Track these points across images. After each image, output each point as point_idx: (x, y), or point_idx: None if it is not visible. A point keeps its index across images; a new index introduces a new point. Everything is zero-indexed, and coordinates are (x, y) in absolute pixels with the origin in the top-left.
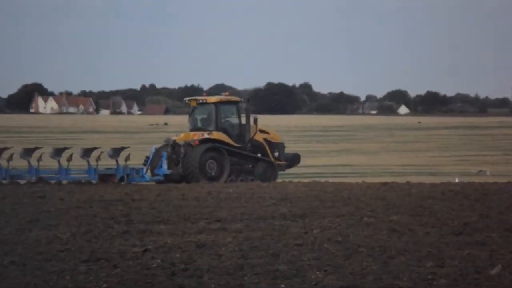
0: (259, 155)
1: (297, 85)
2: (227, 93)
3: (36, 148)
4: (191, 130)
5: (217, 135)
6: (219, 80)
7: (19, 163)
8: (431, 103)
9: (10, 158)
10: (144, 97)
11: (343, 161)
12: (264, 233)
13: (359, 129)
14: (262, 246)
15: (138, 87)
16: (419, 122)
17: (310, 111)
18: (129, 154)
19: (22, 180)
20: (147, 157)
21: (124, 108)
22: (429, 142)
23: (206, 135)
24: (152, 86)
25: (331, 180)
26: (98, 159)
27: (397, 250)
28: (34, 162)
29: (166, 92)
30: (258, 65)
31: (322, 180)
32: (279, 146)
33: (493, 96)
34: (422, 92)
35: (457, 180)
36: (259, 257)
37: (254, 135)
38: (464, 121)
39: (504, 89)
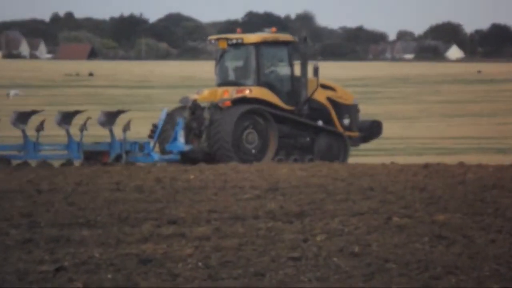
0: (320, 122)
1: (293, 16)
2: (274, 29)
3: (121, 112)
4: (220, 85)
5: (259, 92)
6: (173, 8)
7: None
8: (497, 43)
9: (84, 127)
10: (57, 33)
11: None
12: (243, 241)
13: (387, 82)
14: (239, 262)
15: (47, 18)
16: (479, 72)
17: (312, 56)
18: (129, 121)
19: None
20: (155, 126)
21: (25, 49)
22: (495, 102)
23: (242, 93)
24: (69, 15)
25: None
26: (83, 128)
27: (445, 267)
28: (117, 131)
29: (91, 26)
30: None
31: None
32: (351, 110)
33: None
34: (484, 26)
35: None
36: (235, 278)
37: (313, 92)
38: None
39: None
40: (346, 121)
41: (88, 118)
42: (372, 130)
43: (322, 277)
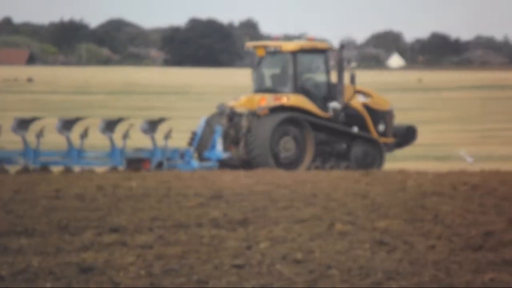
0: (356, 129)
1: (236, 23)
2: (311, 37)
3: (34, 119)
4: (257, 92)
5: (296, 100)
6: (115, 14)
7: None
8: (437, 51)
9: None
10: None
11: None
12: (186, 248)
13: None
14: (182, 269)
15: None
16: (420, 80)
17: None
18: (170, 130)
19: (13, 166)
20: (194, 133)
21: None
22: (435, 110)
23: (279, 101)
24: (7, 20)
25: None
26: (125, 135)
27: (385, 272)
28: (31, 138)
29: (30, 31)
30: None
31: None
32: (386, 116)
33: None
34: (424, 34)
35: (469, 160)
36: (178, 286)
37: (350, 99)
38: (488, 77)
39: None
40: (382, 127)
41: (131, 126)
42: (407, 135)
43: (266, 284)
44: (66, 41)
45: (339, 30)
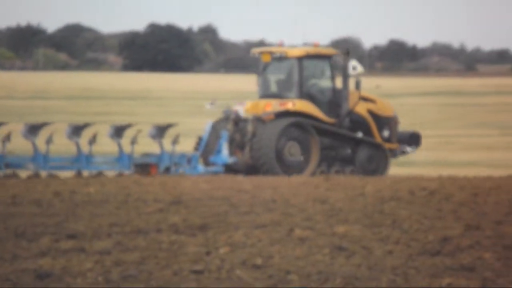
0: (360, 134)
1: (196, 28)
2: (317, 43)
3: (44, 124)
4: (262, 97)
5: (301, 105)
6: (72, 18)
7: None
8: (395, 58)
9: (6, 138)
10: None
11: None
12: (145, 254)
13: None
14: (141, 276)
15: None
16: (378, 86)
17: (215, 68)
18: (178, 135)
19: (25, 171)
20: (200, 138)
21: None
22: None
23: (285, 106)
24: None
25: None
26: (133, 141)
27: (344, 277)
28: (40, 144)
29: None
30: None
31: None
32: (390, 122)
33: (486, 47)
34: (382, 41)
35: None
36: None
37: (355, 105)
38: (444, 83)
39: (503, 37)
40: (386, 133)
41: (139, 131)
42: (411, 141)
43: None
44: (23, 46)
45: (298, 35)
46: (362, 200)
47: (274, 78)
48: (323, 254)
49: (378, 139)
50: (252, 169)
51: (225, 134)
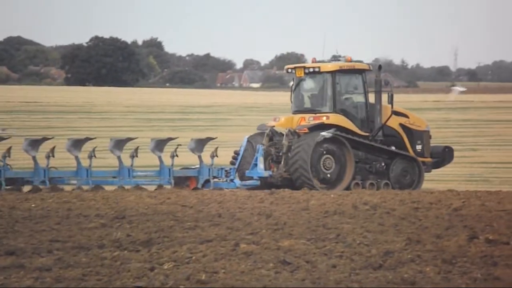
0: (393, 148)
1: (140, 42)
2: (349, 58)
3: (87, 139)
4: (296, 112)
5: (335, 118)
6: (13, 31)
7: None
8: None
9: (51, 153)
10: None
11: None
12: (86, 270)
13: (235, 110)
14: None
15: None
16: None
17: (161, 83)
18: (216, 148)
19: (68, 185)
20: (236, 153)
21: None
22: None
23: (319, 120)
24: None
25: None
26: (174, 154)
27: None
28: (83, 159)
29: None
30: (78, 11)
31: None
32: (423, 136)
33: (427, 64)
34: (326, 56)
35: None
36: None
37: (388, 119)
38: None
39: (444, 55)
40: (419, 147)
41: (178, 145)
42: (444, 155)
43: None
44: None
45: (242, 51)
46: (306, 214)
47: (308, 93)
48: (268, 268)
49: (411, 153)
50: (288, 183)
51: (260, 148)
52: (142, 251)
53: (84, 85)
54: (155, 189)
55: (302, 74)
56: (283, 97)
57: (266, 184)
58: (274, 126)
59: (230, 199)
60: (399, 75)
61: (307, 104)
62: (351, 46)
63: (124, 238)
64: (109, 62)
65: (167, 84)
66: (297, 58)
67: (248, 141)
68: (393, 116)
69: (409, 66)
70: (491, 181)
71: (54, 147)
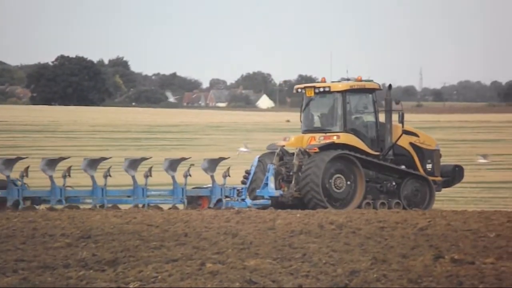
0: (403, 167)
1: (106, 61)
2: (359, 77)
3: (103, 159)
4: (305, 132)
5: (346, 138)
6: None
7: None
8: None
9: (67, 172)
10: None
11: (162, 179)
12: None
13: (201, 129)
14: None
15: None
16: (288, 121)
17: (127, 102)
18: (228, 168)
19: (85, 204)
20: (248, 172)
21: None
22: None
23: (329, 139)
24: None
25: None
26: (187, 174)
27: None
28: (99, 178)
29: None
30: (45, 31)
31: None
32: (433, 155)
33: (394, 83)
34: (292, 76)
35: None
36: None
37: (398, 138)
38: None
39: (411, 74)
40: (429, 166)
41: (192, 165)
42: (454, 174)
43: None
44: None
45: (208, 71)
46: (272, 234)
47: (317, 112)
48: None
49: (422, 172)
50: (298, 202)
51: (271, 168)
52: (107, 270)
53: (50, 104)
54: (169, 209)
55: (312, 94)
56: (249, 117)
57: (277, 203)
58: (284, 146)
59: (196, 218)
60: None
61: (317, 123)
62: (315, 66)
63: (90, 257)
64: (75, 81)
65: (133, 104)
66: (264, 77)
67: (259, 160)
68: (404, 135)
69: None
70: (456, 200)
71: (70, 167)
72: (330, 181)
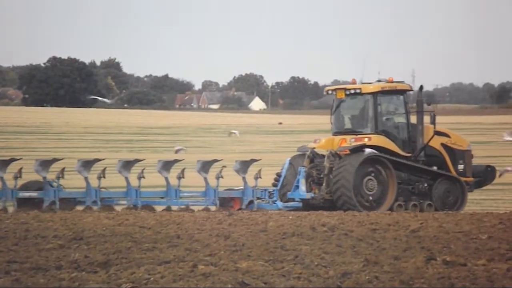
0: (434, 168)
1: (98, 62)
2: (391, 79)
3: (137, 161)
4: (336, 134)
5: (377, 140)
6: None
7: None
8: (297, 95)
9: (102, 174)
10: None
11: (153, 180)
12: None
13: (193, 131)
14: None
15: None
16: (280, 123)
17: (119, 103)
18: (259, 170)
19: (119, 205)
20: (278, 175)
21: None
22: (291, 153)
23: (361, 141)
24: None
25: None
26: (219, 176)
27: None
28: (134, 179)
29: None
30: (37, 32)
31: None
32: (465, 156)
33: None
34: (284, 78)
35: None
36: None
37: (430, 139)
38: None
39: (404, 77)
40: (461, 167)
41: (223, 167)
42: (486, 175)
43: None
44: None
45: (200, 73)
46: (264, 236)
47: (348, 114)
48: None
49: (453, 173)
50: (330, 204)
51: (302, 170)
52: (100, 272)
53: (41, 105)
54: (202, 210)
55: (343, 96)
56: (241, 118)
57: (308, 205)
58: (314, 148)
59: (188, 220)
60: None
61: (348, 125)
62: (313, 67)
63: (82, 259)
64: (67, 83)
65: (126, 105)
66: (256, 79)
67: (289, 162)
68: (435, 136)
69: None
70: None
71: (105, 168)
72: (362, 183)
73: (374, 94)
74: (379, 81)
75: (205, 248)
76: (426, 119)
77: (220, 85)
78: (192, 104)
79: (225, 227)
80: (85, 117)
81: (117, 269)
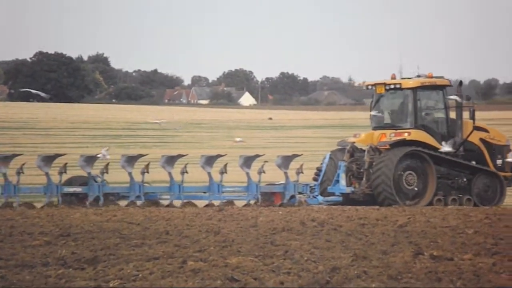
0: (473, 163)
1: (86, 57)
2: (430, 74)
3: (179, 156)
4: (376, 128)
5: (417, 134)
6: None
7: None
8: (287, 90)
9: (146, 169)
10: None
11: (155, 176)
12: None
13: (182, 127)
14: None
15: None
16: (270, 118)
17: (107, 99)
18: (301, 165)
19: (163, 200)
20: (319, 169)
21: None
22: (284, 148)
23: (400, 136)
24: None
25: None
26: (261, 171)
27: None
28: (176, 175)
29: None
30: (23, 26)
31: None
32: (503, 150)
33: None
34: (274, 74)
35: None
36: None
37: (469, 135)
38: (335, 116)
39: (390, 72)
40: (499, 162)
41: (265, 162)
42: None
43: None
44: None
45: (195, 66)
46: (254, 231)
47: (388, 109)
48: (216, 286)
49: (492, 168)
50: (370, 199)
51: (342, 165)
52: (87, 269)
53: (28, 101)
54: (244, 206)
55: (383, 91)
56: (231, 114)
57: (348, 200)
58: (354, 143)
59: (178, 216)
60: (346, 93)
61: (387, 120)
62: (298, 63)
63: (69, 255)
64: (53, 78)
65: (114, 100)
66: (245, 75)
67: (330, 157)
68: (474, 131)
69: (356, 84)
70: None
71: (148, 164)
72: (401, 178)
73: (414, 89)
74: (418, 76)
75: (194, 244)
76: (465, 114)
77: (210, 81)
78: (181, 100)
79: (215, 223)
80: (72, 113)
81: (105, 266)
